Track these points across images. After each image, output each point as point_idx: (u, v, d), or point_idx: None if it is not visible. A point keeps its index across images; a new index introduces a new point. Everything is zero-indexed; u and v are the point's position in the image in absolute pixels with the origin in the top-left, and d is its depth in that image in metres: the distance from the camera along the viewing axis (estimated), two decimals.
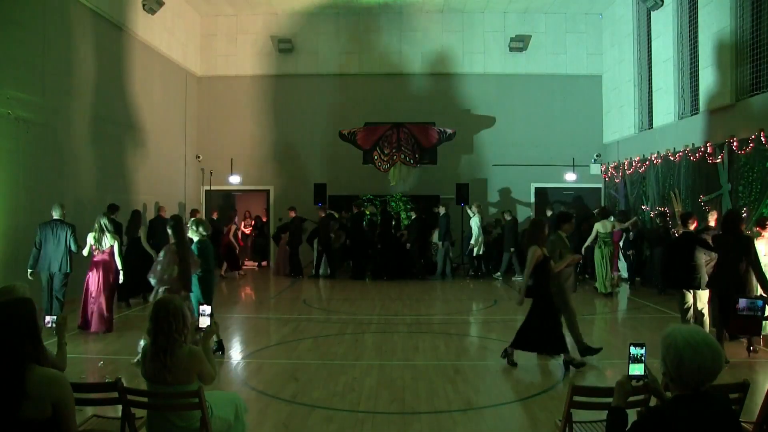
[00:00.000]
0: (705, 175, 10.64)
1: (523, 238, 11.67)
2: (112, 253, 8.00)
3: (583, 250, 11.66)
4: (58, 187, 10.02)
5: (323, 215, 13.88)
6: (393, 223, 14.02)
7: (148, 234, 10.61)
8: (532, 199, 15.99)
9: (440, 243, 13.70)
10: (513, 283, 12.86)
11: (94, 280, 7.94)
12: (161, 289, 6.00)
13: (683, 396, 2.26)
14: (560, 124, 15.96)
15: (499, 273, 13.91)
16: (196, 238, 6.66)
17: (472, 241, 13.64)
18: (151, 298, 6.36)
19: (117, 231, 8.80)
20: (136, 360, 6.08)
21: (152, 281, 6.12)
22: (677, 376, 2.26)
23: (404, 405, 5.21)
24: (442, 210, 13.69)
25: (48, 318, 3.56)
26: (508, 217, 13.81)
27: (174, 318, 3.27)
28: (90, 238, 7.96)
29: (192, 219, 7.06)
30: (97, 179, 11.30)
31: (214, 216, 15.02)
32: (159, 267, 6.08)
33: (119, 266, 7.99)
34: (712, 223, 8.61)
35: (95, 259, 7.97)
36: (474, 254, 13.78)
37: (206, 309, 3.86)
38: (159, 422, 3.34)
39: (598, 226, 11.39)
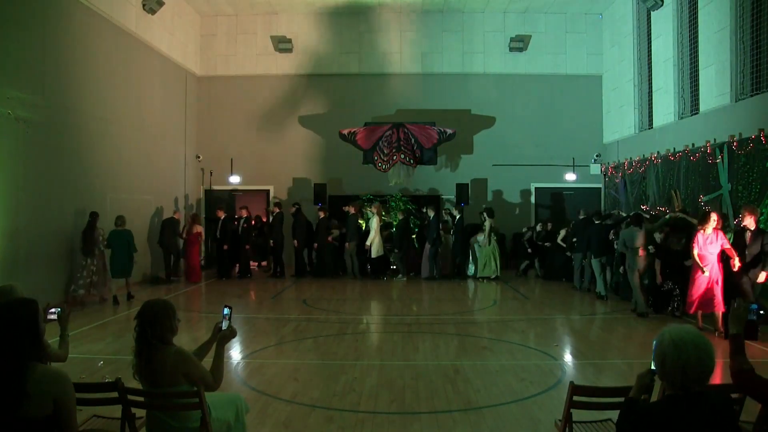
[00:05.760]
0: (705, 175, 10.64)
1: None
2: (199, 234, 13.26)
3: (481, 243, 13.57)
4: (59, 188, 10.03)
5: (323, 216, 13.85)
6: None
7: (161, 233, 13.09)
8: (533, 200, 16.02)
9: (428, 246, 13.41)
10: (394, 281, 13.38)
11: (190, 251, 13.10)
12: None
13: (673, 396, 2.21)
14: (560, 124, 15.96)
15: (401, 276, 13.62)
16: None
17: (368, 242, 13.47)
18: None
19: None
20: None
21: None
22: (663, 374, 2.23)
23: (404, 405, 5.21)
24: (431, 213, 13.55)
25: (52, 310, 3.63)
26: (400, 216, 13.72)
27: (149, 323, 3.21)
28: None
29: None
30: (96, 179, 11.29)
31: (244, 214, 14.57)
32: None
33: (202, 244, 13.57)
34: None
35: (189, 238, 13.22)
36: (372, 255, 13.54)
37: (225, 311, 3.56)
38: (154, 422, 3.34)
39: (491, 222, 13.37)
